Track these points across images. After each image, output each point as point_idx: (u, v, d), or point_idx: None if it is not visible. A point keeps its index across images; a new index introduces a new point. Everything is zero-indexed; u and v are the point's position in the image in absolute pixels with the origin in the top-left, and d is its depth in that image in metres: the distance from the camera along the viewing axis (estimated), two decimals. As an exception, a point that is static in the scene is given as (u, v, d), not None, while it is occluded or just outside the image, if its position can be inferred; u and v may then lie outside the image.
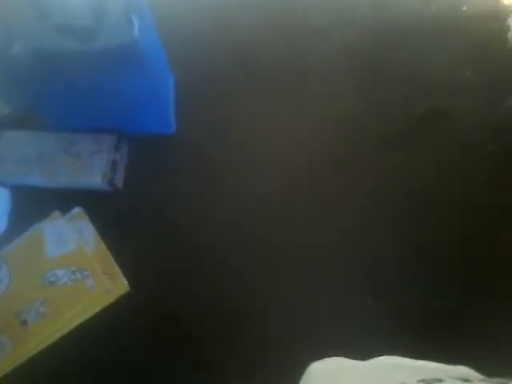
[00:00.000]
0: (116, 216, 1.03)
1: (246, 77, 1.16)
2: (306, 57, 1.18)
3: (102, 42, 0.85)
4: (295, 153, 1.08)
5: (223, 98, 1.14)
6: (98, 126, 1.07)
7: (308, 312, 0.93)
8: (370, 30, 1.20)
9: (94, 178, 1.04)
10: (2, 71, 0.95)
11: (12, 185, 1.06)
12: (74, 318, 0.94)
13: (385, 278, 0.96)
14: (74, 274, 0.95)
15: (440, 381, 0.38)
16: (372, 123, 1.10)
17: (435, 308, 0.92)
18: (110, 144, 1.07)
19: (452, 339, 0.86)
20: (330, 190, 1.04)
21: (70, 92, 0.97)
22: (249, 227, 1.02)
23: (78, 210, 1.03)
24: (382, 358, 0.53)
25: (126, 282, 0.97)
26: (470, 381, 0.38)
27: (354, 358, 0.54)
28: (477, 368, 0.49)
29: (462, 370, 0.49)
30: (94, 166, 1.05)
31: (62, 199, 1.04)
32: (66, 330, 0.94)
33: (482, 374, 0.47)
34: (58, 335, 0.94)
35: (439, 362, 0.50)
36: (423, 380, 0.39)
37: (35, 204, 1.04)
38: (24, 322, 0.92)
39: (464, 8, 1.20)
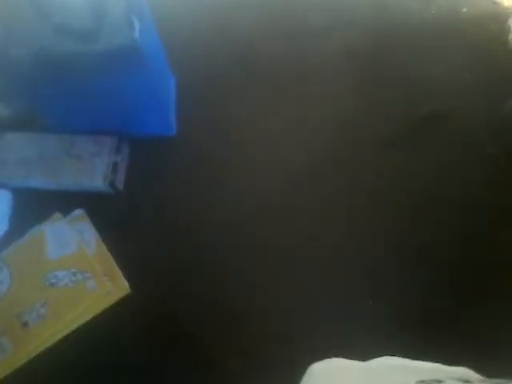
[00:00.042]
0: (117, 218, 1.03)
1: (246, 77, 1.16)
2: (306, 57, 1.18)
3: (102, 43, 0.85)
4: (295, 153, 1.09)
5: (223, 98, 1.14)
6: (98, 127, 1.07)
7: (308, 312, 0.93)
8: (370, 31, 1.20)
9: (95, 179, 1.04)
10: (2, 72, 0.95)
11: (13, 187, 1.06)
12: (74, 320, 0.94)
13: (385, 278, 0.96)
14: (74, 275, 0.95)
15: (440, 382, 0.38)
16: (372, 123, 1.10)
17: (435, 308, 0.92)
18: (111, 146, 1.07)
19: (452, 339, 0.86)
20: (330, 190, 1.04)
21: (70, 93, 0.97)
22: (249, 227, 1.02)
23: (78, 211, 1.03)
24: (381, 358, 0.53)
25: (126, 284, 0.97)
26: (470, 382, 0.38)
27: (354, 359, 0.54)
28: (476, 369, 0.49)
29: (462, 371, 0.49)
30: (94, 168, 1.05)
31: (63, 201, 1.04)
32: (66, 331, 0.94)
33: (482, 374, 0.47)
34: (58, 337, 0.94)
35: (439, 362, 0.50)
36: (423, 381, 0.39)
37: (36, 206, 1.04)
38: (25, 324, 0.92)
39: (464, 10, 1.20)
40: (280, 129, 1.11)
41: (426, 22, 1.20)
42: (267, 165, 1.08)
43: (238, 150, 1.10)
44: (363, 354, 0.54)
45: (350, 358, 0.55)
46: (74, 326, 0.94)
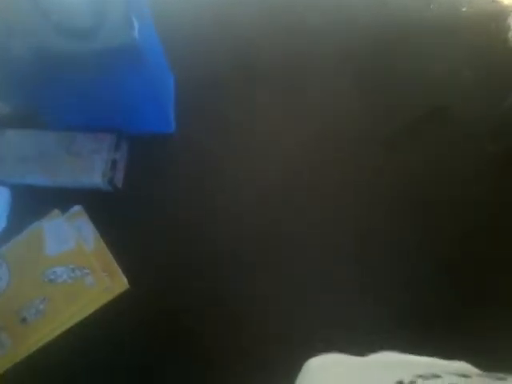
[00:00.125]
0: (115, 215, 1.03)
1: (246, 75, 1.16)
2: (306, 55, 1.18)
3: (101, 41, 0.85)
4: (295, 152, 1.09)
5: (222, 95, 1.14)
6: (98, 125, 1.07)
7: (308, 312, 0.94)
8: (370, 30, 1.20)
9: (94, 177, 1.04)
10: (2, 70, 0.95)
11: (12, 183, 1.06)
12: (73, 316, 0.94)
13: (385, 275, 0.96)
14: (73, 271, 0.95)
15: (437, 376, 0.38)
16: (372, 121, 1.10)
17: (435, 305, 0.92)
18: (110, 143, 1.07)
19: (451, 335, 0.86)
20: (330, 189, 1.05)
21: (70, 91, 0.97)
22: (249, 226, 1.02)
23: (77, 208, 1.04)
24: (379, 353, 0.53)
25: (125, 280, 0.97)
26: (468, 376, 0.38)
27: (353, 355, 0.55)
28: (475, 364, 0.49)
29: (460, 366, 0.49)
30: (93, 165, 1.05)
31: (62, 198, 1.04)
32: (65, 327, 0.94)
33: (481, 369, 0.47)
34: (57, 332, 0.94)
35: (438, 357, 0.51)
36: (420, 375, 0.39)
37: (35, 202, 1.04)
38: (24, 320, 0.92)
39: (464, 8, 1.20)
40: (280, 126, 1.11)
41: (426, 20, 1.20)
42: (267, 162, 1.08)
43: (237, 147, 1.10)
44: (363, 352, 0.54)
45: (349, 355, 0.55)
46: (72, 322, 0.94)
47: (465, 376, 0.38)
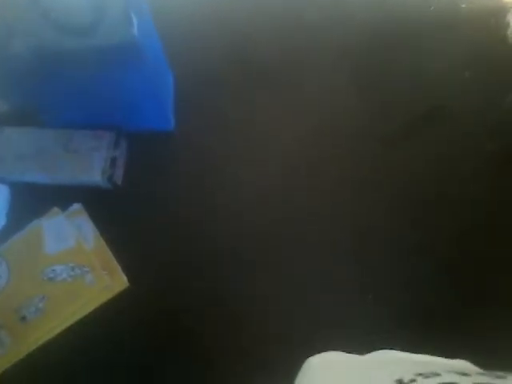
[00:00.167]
0: (115, 212, 1.03)
1: (244, 72, 1.16)
2: (304, 53, 1.18)
3: (100, 38, 0.85)
4: (294, 149, 1.08)
5: (222, 92, 1.14)
6: (97, 122, 1.07)
7: (308, 312, 0.93)
8: (368, 27, 1.20)
9: (94, 174, 1.04)
10: (1, 68, 0.94)
11: (11, 181, 1.06)
12: (73, 314, 0.94)
13: (384, 275, 0.96)
14: (73, 270, 0.95)
15: (437, 374, 0.38)
16: (371, 122, 1.10)
17: (435, 305, 0.92)
18: (110, 141, 1.06)
19: (451, 335, 0.86)
20: (329, 188, 1.04)
21: (69, 88, 0.97)
22: (249, 223, 1.02)
23: (77, 206, 1.03)
24: (379, 352, 0.53)
25: (125, 278, 0.97)
26: (468, 374, 0.38)
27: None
28: (475, 363, 0.49)
29: (460, 364, 0.49)
30: (93, 163, 1.05)
31: (61, 196, 1.04)
32: (65, 325, 0.94)
33: (481, 368, 0.47)
34: (57, 331, 0.94)
35: (438, 356, 0.50)
36: (420, 373, 0.39)
37: (34, 200, 1.04)
38: (23, 318, 0.92)
39: (463, 5, 1.20)
40: (278, 122, 1.11)
41: (425, 17, 1.20)
42: (266, 159, 1.08)
43: (237, 144, 1.10)
44: (363, 352, 0.54)
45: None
46: (72, 321, 0.94)
47: (465, 374, 0.38)
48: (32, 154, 1.06)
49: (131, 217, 1.03)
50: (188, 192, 1.06)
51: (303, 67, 1.17)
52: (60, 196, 1.04)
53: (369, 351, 0.54)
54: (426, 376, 0.38)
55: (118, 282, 0.97)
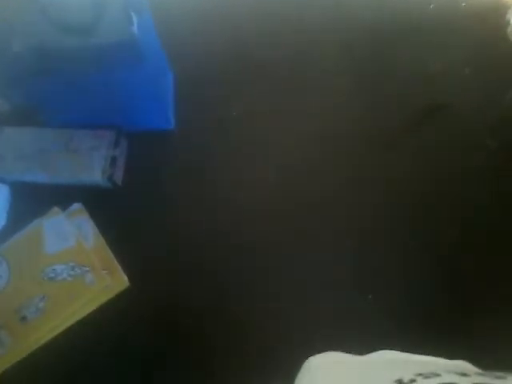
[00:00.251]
0: (115, 212, 1.03)
1: (245, 72, 1.16)
2: (305, 52, 1.18)
3: (100, 37, 0.85)
4: (294, 149, 1.08)
5: (222, 92, 1.14)
6: (97, 122, 1.07)
7: (308, 312, 0.93)
8: (369, 25, 1.20)
9: (94, 174, 1.04)
10: (1, 68, 0.94)
11: (11, 181, 1.06)
12: (73, 314, 0.94)
13: (384, 275, 0.96)
14: (73, 269, 0.95)
15: (437, 375, 0.38)
16: (371, 120, 1.10)
17: (435, 305, 0.92)
18: (110, 140, 1.07)
19: (451, 335, 0.86)
20: (330, 188, 1.04)
21: (69, 88, 0.97)
22: (249, 223, 1.02)
23: (77, 205, 1.03)
24: (379, 352, 0.53)
25: (125, 278, 0.97)
26: (468, 375, 0.38)
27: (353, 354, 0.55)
28: (475, 363, 0.49)
29: (460, 364, 0.49)
30: (93, 162, 1.05)
31: (61, 195, 1.04)
32: (65, 325, 0.94)
33: (480, 368, 0.47)
34: (57, 331, 0.94)
35: (438, 356, 0.50)
36: (420, 374, 0.39)
37: (34, 200, 1.04)
38: (23, 318, 0.92)
39: (463, 4, 1.20)
40: (279, 123, 1.11)
41: (426, 16, 1.20)
42: (266, 158, 1.08)
43: (237, 144, 1.09)
44: (363, 351, 0.54)
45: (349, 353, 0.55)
46: (72, 320, 0.94)
47: (464, 375, 0.38)
48: (32, 154, 1.06)
49: (131, 216, 1.03)
50: (188, 191, 1.06)
51: (304, 67, 1.17)
52: (60, 196, 1.04)
53: (369, 351, 0.54)
54: (425, 376, 0.38)
55: (118, 281, 0.97)
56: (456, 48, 1.15)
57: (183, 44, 1.15)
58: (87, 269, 0.95)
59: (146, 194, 1.06)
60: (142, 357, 0.93)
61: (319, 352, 0.57)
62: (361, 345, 0.54)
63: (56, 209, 1.02)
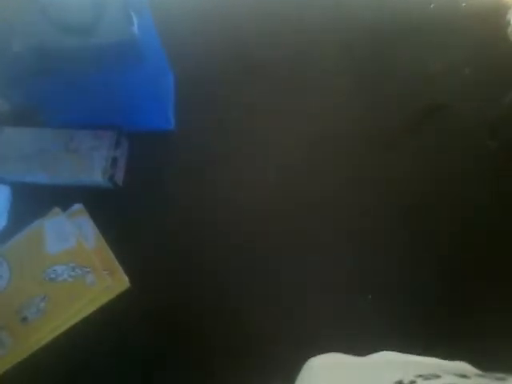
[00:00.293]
0: (116, 212, 1.03)
1: (245, 72, 1.16)
2: (305, 53, 1.18)
3: (101, 37, 0.85)
4: (294, 149, 1.08)
5: (222, 92, 1.14)
6: (98, 122, 1.07)
7: (308, 312, 0.93)
8: (369, 26, 1.20)
9: (94, 174, 1.04)
10: (2, 68, 0.94)
11: (12, 181, 1.06)
12: (74, 315, 0.94)
13: (384, 276, 0.96)
14: (74, 270, 0.95)
15: (437, 376, 0.38)
16: (371, 121, 1.10)
17: (435, 306, 0.92)
18: (110, 140, 1.07)
19: (451, 335, 0.86)
20: (330, 188, 1.04)
21: (70, 88, 0.97)
22: (249, 223, 1.02)
23: (78, 206, 1.03)
24: (380, 353, 0.53)
25: (126, 278, 0.97)
26: (468, 376, 0.38)
27: (353, 355, 0.55)
28: (475, 364, 0.49)
29: (460, 366, 0.49)
30: (94, 163, 1.05)
31: (62, 196, 1.04)
32: (66, 326, 0.94)
33: (480, 369, 0.47)
34: (58, 331, 0.94)
35: (438, 357, 0.50)
36: (420, 375, 0.39)
37: (35, 200, 1.04)
38: (24, 319, 0.92)
39: (463, 4, 1.20)
40: (279, 122, 1.11)
41: (426, 16, 1.19)
42: (267, 158, 1.08)
43: (237, 144, 1.09)
44: (363, 352, 0.54)
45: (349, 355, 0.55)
46: (73, 321, 0.94)
47: (464, 376, 0.38)
48: (33, 154, 1.06)
49: (132, 216, 1.04)
50: (188, 191, 1.06)
51: (304, 67, 1.17)
52: (61, 196, 1.04)
53: (369, 352, 0.54)
54: (425, 377, 0.38)
55: (119, 282, 0.97)
56: (456, 48, 1.15)
57: (183, 44, 1.15)
58: (88, 269, 0.95)
59: (146, 194, 1.06)
60: (142, 357, 0.93)
61: (319, 352, 0.57)
62: (361, 345, 0.54)
63: (57, 209, 1.02)
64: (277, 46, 1.18)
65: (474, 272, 0.95)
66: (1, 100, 1.10)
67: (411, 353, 0.51)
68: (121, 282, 0.97)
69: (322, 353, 0.56)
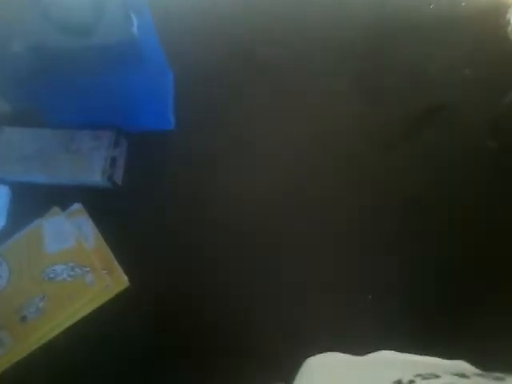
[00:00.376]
0: (115, 212, 1.03)
1: (245, 71, 1.16)
2: (305, 54, 1.18)
3: (100, 38, 0.86)
4: (294, 149, 1.08)
5: (222, 92, 1.14)
6: (97, 122, 1.07)
7: (308, 312, 0.93)
8: (369, 26, 1.19)
9: (94, 174, 1.04)
10: (2, 68, 0.94)
11: (11, 181, 1.07)
12: (73, 314, 0.94)
13: (384, 276, 0.95)
14: (73, 269, 0.95)
15: (436, 376, 0.38)
16: (371, 122, 1.09)
17: (435, 305, 0.92)
18: (110, 140, 1.07)
19: (451, 335, 0.86)
20: (330, 189, 1.04)
21: (69, 89, 0.97)
22: (249, 223, 1.02)
23: (77, 205, 1.03)
24: (379, 352, 0.53)
25: (125, 278, 0.97)
26: (467, 376, 0.38)
27: (353, 355, 0.55)
28: (475, 364, 0.49)
29: (459, 365, 0.49)
30: (93, 163, 1.05)
31: (61, 195, 1.04)
32: (65, 325, 0.94)
33: (480, 369, 0.47)
34: (57, 331, 0.94)
35: (437, 357, 0.50)
36: (420, 374, 0.39)
37: (34, 200, 1.04)
38: (23, 318, 0.92)
39: (463, 3, 1.20)
40: (279, 122, 1.11)
41: (426, 16, 1.19)
42: (267, 158, 1.08)
43: (237, 144, 1.09)
44: (362, 352, 0.54)
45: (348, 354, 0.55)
46: (72, 320, 0.94)
47: (463, 376, 0.38)
48: (32, 154, 1.06)
49: (131, 216, 1.03)
50: (188, 191, 1.06)
51: (304, 67, 1.16)
52: (60, 196, 1.04)
53: (368, 352, 0.54)
54: (424, 377, 0.38)
55: (118, 281, 0.97)
56: (456, 48, 1.15)
57: (183, 44, 1.15)
58: (87, 269, 0.95)
59: (145, 193, 1.06)
60: (142, 356, 0.93)
61: (319, 352, 0.57)
62: (360, 345, 0.54)
63: (56, 209, 1.02)
64: (277, 44, 1.18)
65: (474, 272, 0.95)
66: (1, 100, 1.10)
67: (411, 352, 0.51)
68: (120, 281, 0.97)
69: (322, 352, 0.56)
